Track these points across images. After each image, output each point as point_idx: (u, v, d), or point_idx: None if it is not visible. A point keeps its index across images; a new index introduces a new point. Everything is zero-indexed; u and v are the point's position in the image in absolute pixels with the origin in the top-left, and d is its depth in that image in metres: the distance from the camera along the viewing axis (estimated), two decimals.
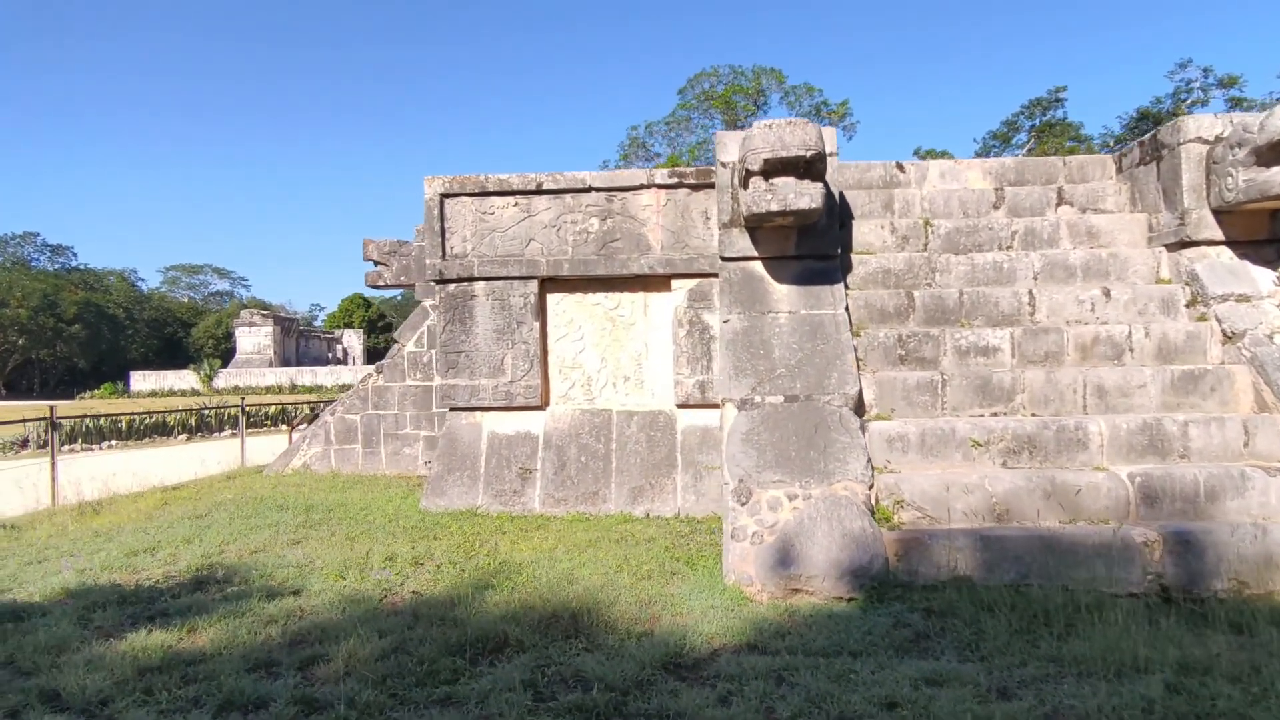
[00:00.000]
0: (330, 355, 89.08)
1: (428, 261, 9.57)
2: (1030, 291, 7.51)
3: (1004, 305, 7.50)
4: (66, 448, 18.07)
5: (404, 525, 8.41)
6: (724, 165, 7.85)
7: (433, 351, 12.51)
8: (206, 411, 21.60)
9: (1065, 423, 6.46)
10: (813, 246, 7.70)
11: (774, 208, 6.78)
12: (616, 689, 4.16)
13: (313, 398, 33.67)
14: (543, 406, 9.47)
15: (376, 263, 12.96)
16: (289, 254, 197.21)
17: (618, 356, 9.56)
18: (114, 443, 18.99)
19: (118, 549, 7.53)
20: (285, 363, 76.95)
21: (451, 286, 9.51)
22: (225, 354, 77.78)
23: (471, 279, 9.45)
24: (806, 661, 4.45)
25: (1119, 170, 8.74)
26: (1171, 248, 7.72)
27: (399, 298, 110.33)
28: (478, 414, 9.54)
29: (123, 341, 73.67)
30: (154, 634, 5.13)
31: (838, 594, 5.60)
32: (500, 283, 9.43)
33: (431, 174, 9.57)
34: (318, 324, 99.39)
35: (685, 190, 9.24)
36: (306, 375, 66.00)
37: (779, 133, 6.73)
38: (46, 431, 18.79)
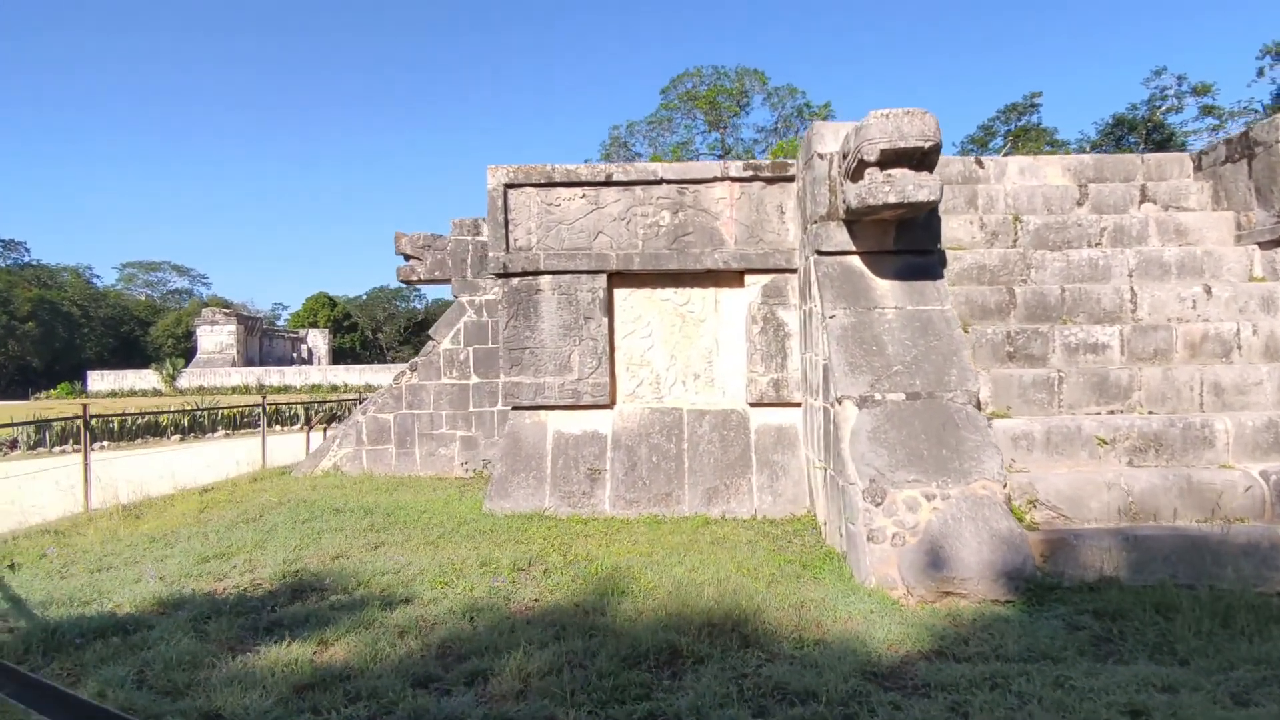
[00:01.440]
0: (295, 355, 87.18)
1: (490, 254, 9.21)
2: (1132, 289, 7.44)
3: (1105, 302, 7.41)
4: (59, 449, 17.20)
5: (477, 528, 8.05)
6: (820, 157, 7.65)
7: (470, 349, 12.13)
8: (200, 413, 20.80)
9: (1191, 420, 6.38)
10: (911, 241, 7.53)
11: (891, 199, 6.59)
12: (833, 701, 3.92)
13: (305, 398, 32.66)
14: (610, 405, 9.17)
15: (408, 257, 12.53)
16: (250, 252, 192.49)
17: (687, 354, 9.30)
18: (106, 444, 18.16)
19: (187, 556, 7.07)
20: (248, 362, 75.09)
21: (515, 280, 9.17)
22: (185, 353, 75.62)
23: (537, 272, 9.11)
24: (1012, 668, 4.25)
25: (1198, 168, 8.74)
26: (1266, 245, 7.72)
27: (363, 298, 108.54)
28: (542, 413, 9.20)
29: (78, 340, 71.18)
30: (289, 647, 4.75)
31: (992, 596, 5.42)
32: (567, 277, 9.11)
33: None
34: (281, 323, 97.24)
35: (759, 183, 9.02)
36: (274, 375, 64.46)
37: (897, 122, 6.54)
38: (38, 432, 17.93)
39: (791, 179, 8.97)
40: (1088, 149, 43.10)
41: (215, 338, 74.32)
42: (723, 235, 9.06)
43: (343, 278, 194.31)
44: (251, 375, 64.11)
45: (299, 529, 8.05)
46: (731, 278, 9.19)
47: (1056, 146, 45.79)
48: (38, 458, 16.07)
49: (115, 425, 18.50)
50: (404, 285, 12.91)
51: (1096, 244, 8.12)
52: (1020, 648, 4.57)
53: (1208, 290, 7.40)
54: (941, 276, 7.42)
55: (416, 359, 12.30)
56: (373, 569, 6.55)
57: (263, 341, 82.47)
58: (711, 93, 47.83)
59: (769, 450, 8.92)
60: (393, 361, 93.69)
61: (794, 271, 8.97)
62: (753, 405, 9.06)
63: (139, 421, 18.94)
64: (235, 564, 6.85)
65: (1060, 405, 6.77)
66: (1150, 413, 6.71)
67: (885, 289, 7.36)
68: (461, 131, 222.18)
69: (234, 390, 61.38)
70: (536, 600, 5.76)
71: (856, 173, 6.93)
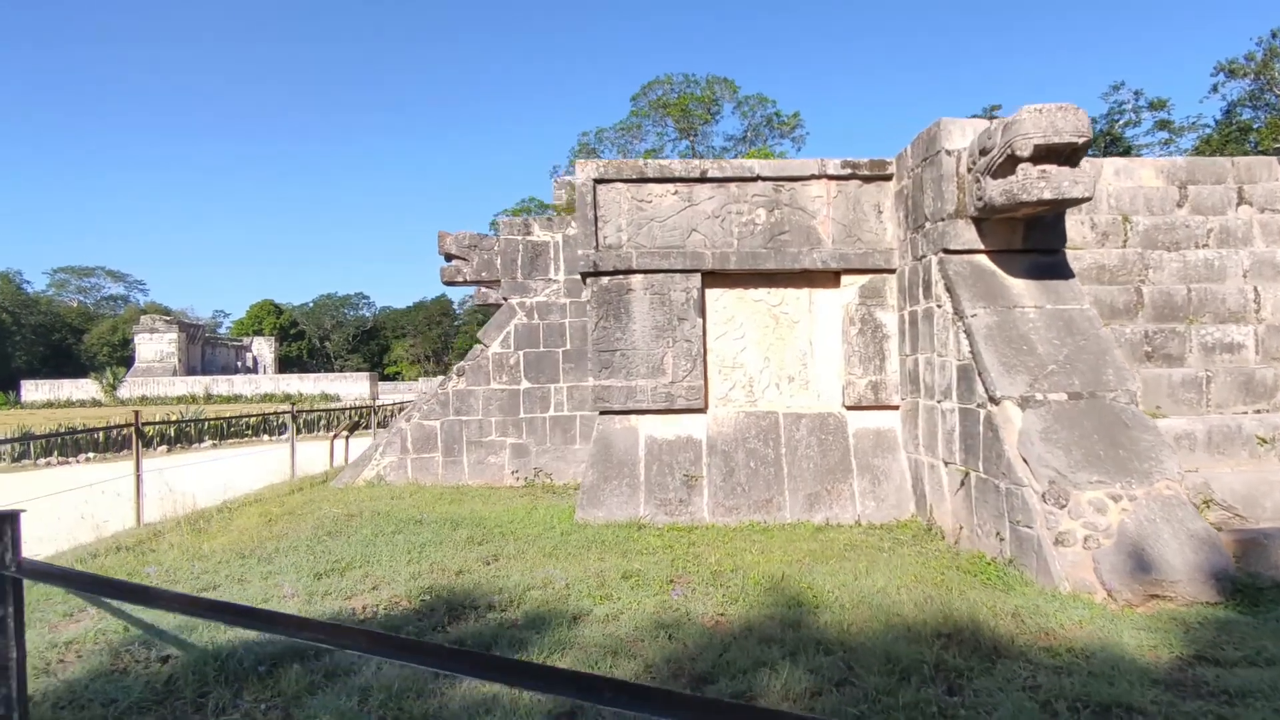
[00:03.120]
0: (239, 364, 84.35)
1: (579, 252, 8.82)
2: (1255, 289, 7.47)
3: (1230, 302, 7.43)
4: (44, 460, 16.03)
5: (583, 539, 7.64)
6: (948, 153, 7.50)
7: (520, 353, 11.67)
8: (185, 422, 19.70)
9: None
10: (1039, 240, 7.43)
11: (1047, 195, 6.46)
12: (1153, 714, 3.69)
13: (277, 407, 31.28)
14: (703, 409, 8.86)
15: (452, 257, 12.02)
16: (189, 258, 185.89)
17: (782, 355, 9.05)
18: (91, 455, 17.01)
19: (296, 573, 6.51)
20: (190, 371, 72.33)
21: (605, 280, 8.80)
22: (121, 362, 72.42)
23: (629, 271, 8.76)
24: None
25: None
26: None
27: (310, 305, 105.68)
28: (633, 417, 8.84)
29: (8, 349, 67.49)
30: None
31: (1201, 599, 5.28)
32: (660, 276, 8.78)
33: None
34: (222, 331, 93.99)
35: (857, 182, 8.85)
36: (223, 384, 62.16)
37: (1051, 118, 6.42)
38: (22, 445, 16.71)
39: (889, 177, 8.82)
40: None
41: (155, 346, 71.40)
42: (820, 234, 8.85)
43: (288, 285, 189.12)
44: (199, 384, 61.66)
45: (395, 542, 7.53)
46: (826, 278, 8.98)
47: None
48: (23, 470, 14.94)
49: (100, 436, 17.33)
50: (449, 286, 12.38)
51: (1204, 245, 8.15)
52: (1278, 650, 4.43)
53: None
54: (1073, 275, 7.33)
55: (464, 363, 11.77)
56: (513, 584, 6.11)
57: (205, 350, 79.53)
58: (684, 100, 47.95)
59: (868, 454, 8.73)
60: (341, 370, 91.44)
61: (891, 272, 8.81)
62: (850, 408, 8.86)
63: (125, 432, 17.79)
64: (353, 580, 6.32)
65: (1209, 404, 6.72)
66: None
67: (1020, 288, 7.23)
68: (428, 138, 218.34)
69: (179, 400, 58.91)
70: (722, 614, 5.42)
71: (1002, 169, 6.78)
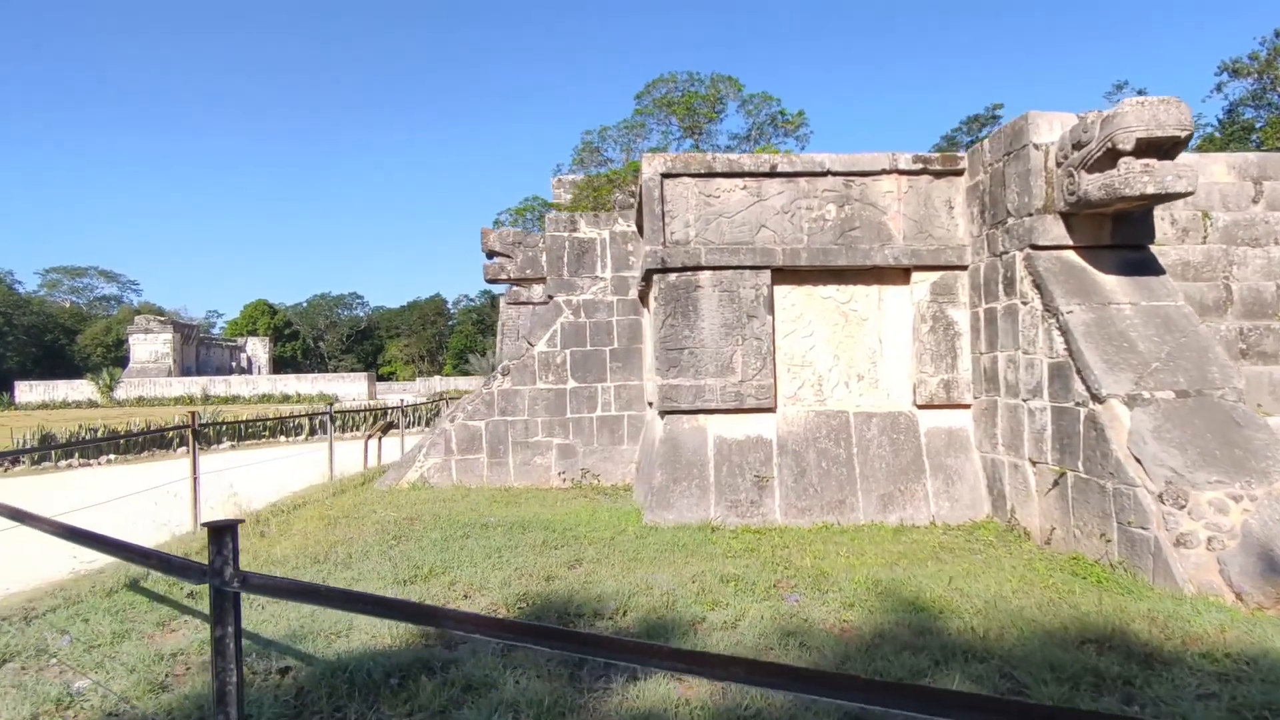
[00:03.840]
0: (234, 364, 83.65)
1: (646, 248, 8.65)
2: None
3: None
4: (64, 462, 15.70)
5: (660, 543, 7.45)
6: (1035, 147, 7.35)
7: (567, 351, 11.47)
8: (202, 423, 19.36)
9: None
10: (1128, 235, 7.31)
11: (1150, 190, 6.33)
12: None
13: (280, 409, 30.87)
14: (773, 409, 8.70)
15: (496, 254, 11.82)
16: (182, 258, 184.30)
17: (851, 354, 8.89)
18: (113, 457, 16.69)
19: (379, 579, 6.31)
20: (185, 372, 71.65)
21: (673, 276, 8.62)
22: (116, 363, 71.62)
23: (697, 268, 8.59)
24: None
25: None
26: None
27: (304, 305, 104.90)
28: (701, 417, 8.66)
29: (0, 350, 66.71)
30: (656, 684, 4.14)
31: None
32: (729, 273, 8.61)
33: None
34: (216, 331, 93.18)
35: (928, 177, 8.71)
36: (220, 385, 61.59)
37: (1153, 110, 6.30)
38: (42, 445, 16.38)
39: (960, 173, 8.68)
40: None
41: (150, 346, 70.67)
42: (890, 230, 8.70)
43: (282, 285, 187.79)
44: (195, 385, 61.07)
45: (468, 547, 7.33)
46: (896, 275, 8.83)
47: None
48: (45, 473, 14.62)
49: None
50: (491, 284, 12.17)
51: None
52: None
53: None
54: (1164, 271, 7.21)
55: (509, 363, 11.57)
56: (610, 590, 5.92)
57: (199, 350, 78.82)
58: (689, 98, 47.82)
59: (941, 454, 8.58)
60: (336, 370, 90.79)
61: (963, 269, 8.67)
62: (921, 407, 8.72)
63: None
64: (440, 588, 6.12)
65: None
66: None
67: (1113, 284, 7.10)
68: (425, 135, 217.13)
69: (176, 401, 58.29)
70: (845, 621, 5.26)
71: (1100, 163, 6.65)
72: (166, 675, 4.56)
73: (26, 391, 58.24)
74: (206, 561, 2.44)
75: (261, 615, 5.52)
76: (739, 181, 8.67)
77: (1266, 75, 39.92)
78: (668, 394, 8.60)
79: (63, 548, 8.47)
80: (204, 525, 2.44)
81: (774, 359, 8.70)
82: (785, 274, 8.78)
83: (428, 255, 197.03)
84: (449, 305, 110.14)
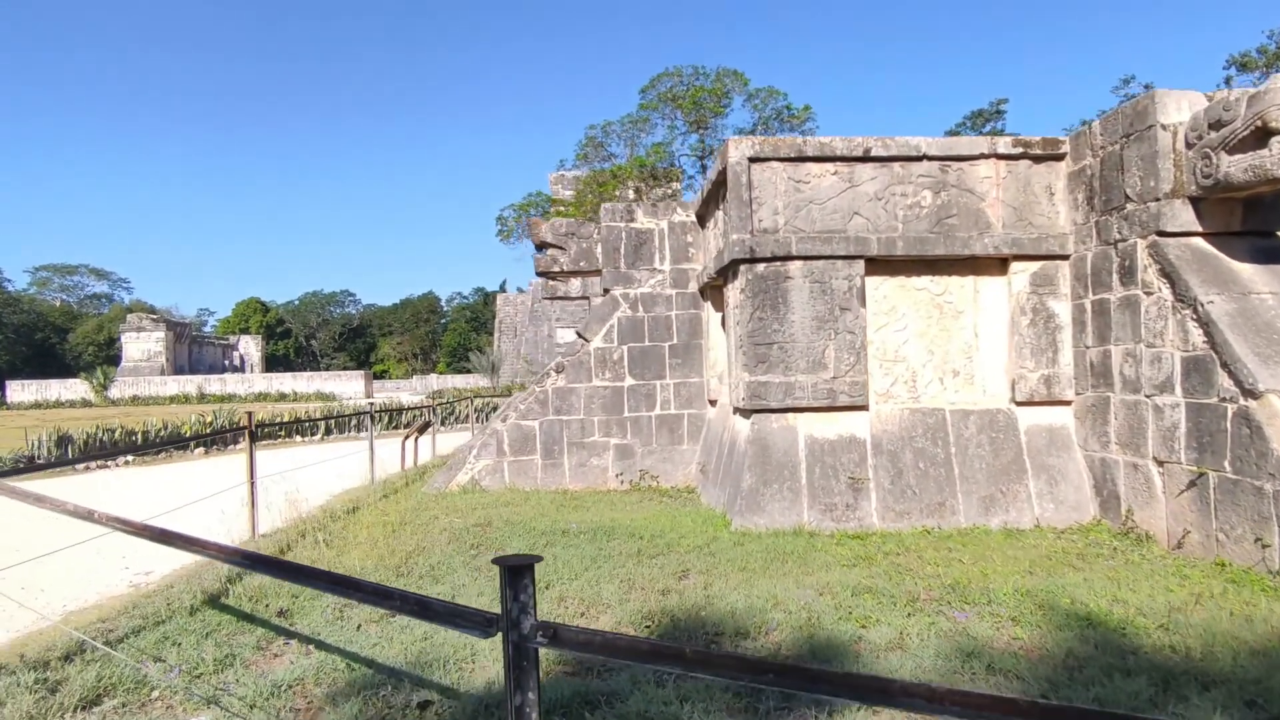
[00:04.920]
0: (226, 363, 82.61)
1: (732, 237, 8.16)
2: None
3: None
4: (82, 465, 15.08)
5: (763, 550, 6.97)
6: (1163, 128, 6.91)
7: (624, 348, 10.97)
8: (219, 422, 18.77)
9: None
10: (1258, 222, 6.89)
11: None
12: None
13: (289, 407, 30.15)
14: (865, 406, 8.23)
15: (546, 245, 11.31)
16: (173, 256, 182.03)
17: (945, 348, 8.44)
18: (130, 459, 16.05)
19: (478, 594, 5.81)
20: (178, 370, 70.66)
21: (761, 266, 8.14)
22: (108, 361, 70.52)
23: (787, 258, 8.11)
24: None
25: None
26: None
27: (295, 303, 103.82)
28: (790, 415, 8.19)
29: None
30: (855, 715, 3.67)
31: None
32: (820, 263, 8.14)
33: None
34: (208, 329, 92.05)
35: (1027, 162, 8.26)
36: (215, 384, 60.73)
37: None
38: (59, 448, 15.75)
39: (1061, 157, 8.24)
40: None
41: (142, 345, 69.61)
42: (989, 218, 8.25)
43: (274, 283, 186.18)
44: (191, 384, 60.19)
45: (558, 556, 6.81)
46: (992, 265, 8.39)
47: None
48: (63, 475, 13.99)
49: (138, 437, 16.36)
50: (542, 276, 11.66)
51: None
52: None
53: None
54: None
55: (563, 359, 11.06)
56: (741, 606, 5.45)
57: (192, 349, 77.78)
58: (696, 92, 47.19)
59: (1042, 452, 8.15)
60: (328, 368, 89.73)
61: (1064, 258, 8.23)
62: (1019, 404, 8.27)
63: (163, 433, 16.84)
64: (550, 603, 5.64)
65: None
66: None
67: (1249, 273, 6.67)
68: (421, 132, 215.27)
69: (171, 400, 57.41)
70: (1017, 638, 4.80)
71: (1244, 143, 6.21)
72: (288, 709, 4.05)
73: (19, 391, 57.22)
74: (480, 608, 1.93)
75: (365, 636, 5.02)
76: (829, 166, 8.20)
77: (1275, 69, 39.80)
78: (756, 391, 8.12)
79: (112, 557, 7.96)
80: (494, 562, 1.95)
81: (866, 354, 8.23)
82: (877, 264, 8.32)
83: (420, 252, 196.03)
84: (442, 303, 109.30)
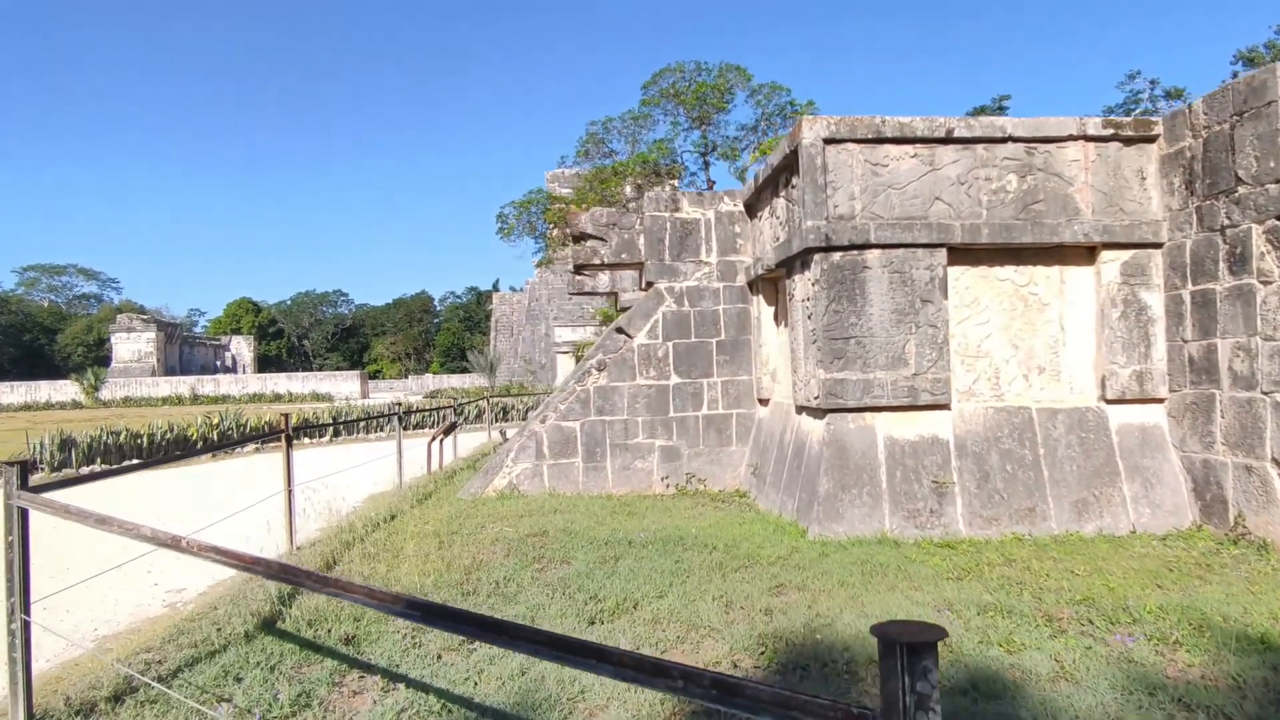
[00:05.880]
0: (218, 363, 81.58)
1: (806, 224, 7.61)
2: None
3: None
4: (86, 469, 14.41)
5: (850, 560, 6.45)
6: (1270, 105, 6.40)
7: (669, 344, 10.41)
8: (226, 424, 18.07)
9: None
10: None
11: None
12: None
13: (399, 409, 29.27)
14: (947, 405, 7.71)
15: (586, 237, 10.74)
16: (162, 254, 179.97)
17: (1030, 343, 7.92)
18: (135, 461, 15.32)
19: (561, 616, 5.25)
20: (169, 371, 69.70)
21: (836, 255, 7.60)
22: (98, 362, 69.46)
23: (864, 246, 7.57)
24: None
25: None
26: None
27: (288, 303, 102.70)
28: (868, 415, 7.65)
29: None
30: None
31: None
32: (900, 251, 7.60)
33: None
34: (198, 330, 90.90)
35: (1118, 144, 7.75)
36: (208, 384, 59.77)
37: None
38: (61, 451, 15.05)
39: (1153, 139, 7.73)
40: None
41: (133, 346, 68.60)
42: (1078, 204, 7.74)
43: (265, 282, 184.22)
44: (183, 385, 59.21)
45: (633, 571, 6.25)
46: (1079, 254, 7.87)
47: None
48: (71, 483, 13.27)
49: (144, 441, 15.66)
50: (578, 271, 11.07)
51: None
52: None
53: None
54: None
55: (604, 356, 10.48)
56: (858, 627, 4.91)
57: (183, 349, 76.76)
58: (700, 87, 46.71)
59: (1135, 454, 7.64)
60: (321, 369, 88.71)
61: (1157, 247, 7.72)
62: (1109, 402, 7.76)
63: (169, 436, 16.12)
64: (643, 627, 5.09)
65: None
66: None
67: None
68: (417, 130, 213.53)
69: (164, 401, 56.39)
70: (1188, 665, 4.27)
71: None
72: None
73: (8, 393, 56.11)
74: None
75: (450, 668, 4.45)
76: (909, 149, 7.66)
77: None
78: (831, 389, 7.57)
79: (137, 572, 7.34)
80: (873, 633, 1.39)
81: (949, 349, 7.70)
82: (958, 253, 7.79)
83: (417, 253, 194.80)
84: (435, 302, 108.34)
